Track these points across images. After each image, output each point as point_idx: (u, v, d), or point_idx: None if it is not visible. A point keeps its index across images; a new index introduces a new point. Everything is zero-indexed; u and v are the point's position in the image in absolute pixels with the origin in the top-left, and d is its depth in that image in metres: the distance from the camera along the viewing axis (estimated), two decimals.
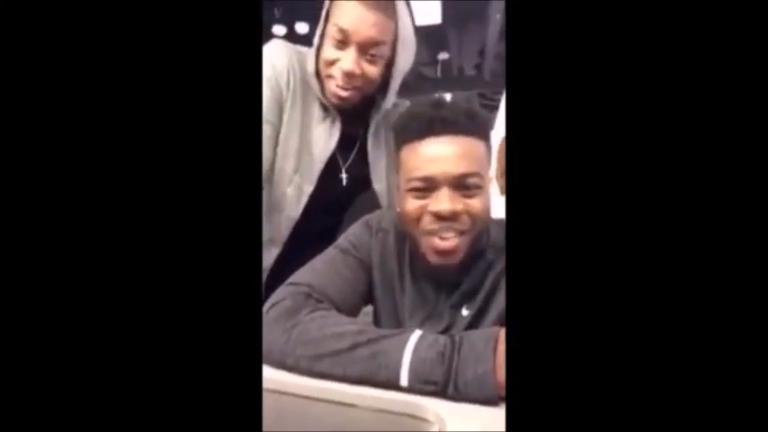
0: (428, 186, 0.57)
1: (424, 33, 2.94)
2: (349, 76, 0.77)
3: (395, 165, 0.64)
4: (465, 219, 0.57)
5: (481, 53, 3.26)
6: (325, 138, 0.85)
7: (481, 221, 0.58)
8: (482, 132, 0.59)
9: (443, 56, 3.33)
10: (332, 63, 0.77)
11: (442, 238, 0.57)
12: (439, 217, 0.56)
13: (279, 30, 2.86)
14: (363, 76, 0.77)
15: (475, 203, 0.57)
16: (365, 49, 0.76)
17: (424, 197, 0.57)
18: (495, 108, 3.75)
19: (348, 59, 0.76)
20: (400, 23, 0.77)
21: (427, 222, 0.57)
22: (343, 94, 0.79)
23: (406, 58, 0.82)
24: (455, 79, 3.54)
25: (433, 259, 0.58)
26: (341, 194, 0.91)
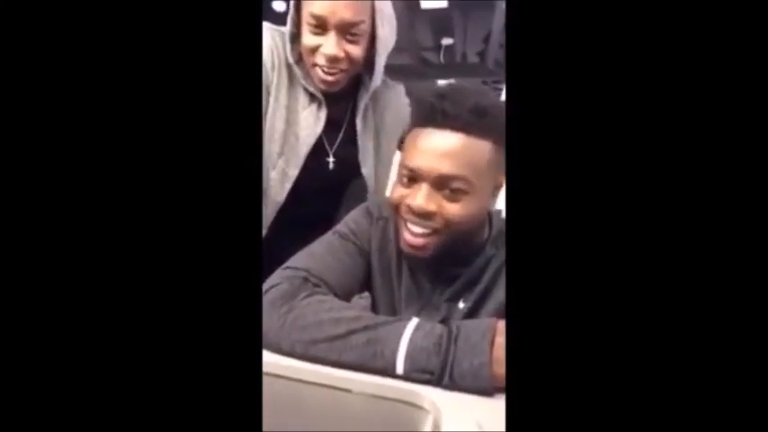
0: (412, 177, 0.55)
1: (429, 17, 2.89)
2: (333, 60, 0.75)
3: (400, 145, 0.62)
4: (438, 220, 0.55)
5: (486, 41, 3.22)
6: (311, 121, 0.83)
7: (457, 226, 0.56)
8: (490, 133, 0.53)
9: (447, 41, 3.29)
10: (314, 50, 0.76)
11: (412, 234, 0.56)
12: (412, 211, 0.55)
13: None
14: (348, 58, 0.76)
15: (453, 208, 0.54)
16: (344, 30, 0.74)
17: (407, 186, 0.56)
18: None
19: (330, 44, 0.74)
20: None
21: (403, 211, 0.57)
22: (331, 79, 0.77)
23: (388, 32, 0.80)
24: (458, 66, 3.51)
25: (405, 248, 0.58)
26: (328, 179, 0.89)
